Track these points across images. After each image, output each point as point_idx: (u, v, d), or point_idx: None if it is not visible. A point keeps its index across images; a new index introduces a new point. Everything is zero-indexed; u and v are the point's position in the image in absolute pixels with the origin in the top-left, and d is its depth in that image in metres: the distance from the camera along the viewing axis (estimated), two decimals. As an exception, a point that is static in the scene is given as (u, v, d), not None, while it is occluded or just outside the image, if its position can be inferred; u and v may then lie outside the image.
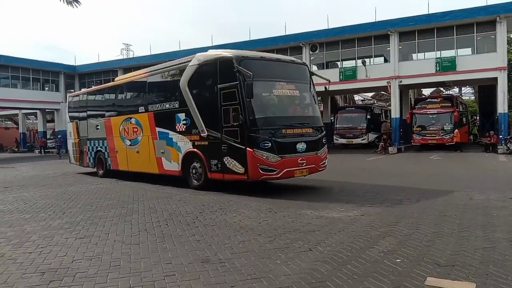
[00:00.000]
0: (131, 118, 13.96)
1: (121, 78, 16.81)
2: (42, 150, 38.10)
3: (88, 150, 16.70)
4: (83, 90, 17.28)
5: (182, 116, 11.61)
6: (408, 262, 4.70)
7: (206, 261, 4.98)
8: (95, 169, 16.50)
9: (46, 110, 42.82)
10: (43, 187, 13.10)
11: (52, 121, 44.00)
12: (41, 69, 40.12)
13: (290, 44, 31.42)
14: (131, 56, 46.80)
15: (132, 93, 14.86)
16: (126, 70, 40.79)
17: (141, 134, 13.36)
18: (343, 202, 8.75)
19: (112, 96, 15.84)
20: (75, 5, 8.28)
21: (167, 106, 12.28)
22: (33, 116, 51.12)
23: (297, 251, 5.25)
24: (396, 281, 4.13)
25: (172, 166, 12.05)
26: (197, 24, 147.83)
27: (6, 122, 56.98)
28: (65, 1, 8.22)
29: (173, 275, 4.51)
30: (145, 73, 13.92)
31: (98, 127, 16.01)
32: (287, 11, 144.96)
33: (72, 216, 8.06)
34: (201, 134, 10.83)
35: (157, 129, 12.65)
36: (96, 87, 17.20)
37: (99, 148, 15.98)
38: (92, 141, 16.43)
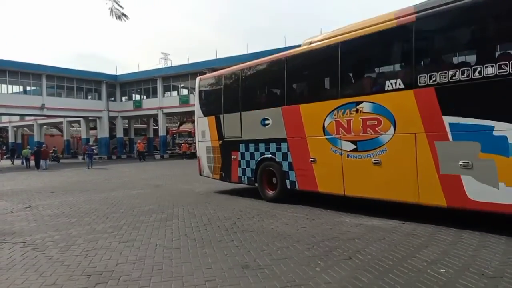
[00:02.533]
0: (359, 103, 7.84)
1: (327, 38, 8.93)
2: (86, 157, 39.59)
3: (243, 158, 10.89)
4: (222, 71, 12.26)
5: None
6: (453, 272, 4.55)
7: (246, 267, 5.03)
8: (251, 186, 11.04)
9: (89, 118, 44.55)
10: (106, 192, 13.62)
11: (95, 128, 45.71)
12: (84, 78, 41.92)
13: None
14: (169, 65, 47.95)
15: (360, 58, 8.59)
16: (165, 78, 42.00)
17: (391, 131, 7.37)
18: (382, 209, 8.56)
19: (303, 69, 9.76)
20: (124, 19, 8.63)
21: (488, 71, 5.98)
22: (76, 124, 53.31)
23: (336, 259, 5.20)
24: (441, 291, 4.01)
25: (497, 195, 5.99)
26: (231, 31, 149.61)
27: (51, 129, 59.71)
28: (114, 15, 8.57)
29: (214, 280, 4.58)
30: (405, 15, 7.22)
31: (266, 122, 10.01)
32: (323, 18, 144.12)
33: (115, 221, 8.34)
34: None
35: (451, 119, 6.49)
36: (256, 61, 11.02)
37: (266, 155, 10.13)
38: (251, 144, 10.58)
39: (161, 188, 14.38)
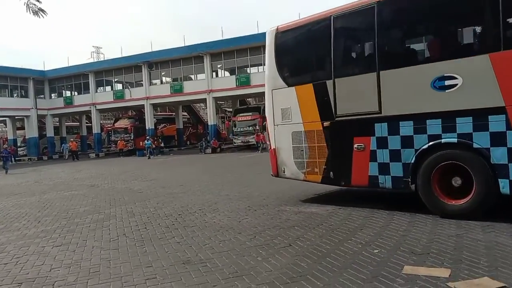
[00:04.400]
0: None
1: None
2: (13, 159, 37.00)
3: (382, 147, 6.76)
4: (331, 10, 7.50)
5: None
6: (386, 252, 4.82)
7: (187, 262, 4.98)
8: (399, 191, 7.23)
9: (16, 117, 41.61)
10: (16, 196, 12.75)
11: (23, 128, 42.80)
12: (8, 75, 38.99)
13: (263, 42, 31.67)
14: (101, 59, 45.94)
15: None
16: (97, 73, 40.21)
17: None
18: (320, 196, 8.88)
19: None
20: (42, 15, 8.05)
21: None
22: (2, 124, 49.59)
23: (277, 247, 5.30)
24: (375, 271, 4.23)
25: None
26: (166, 23, 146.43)
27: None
28: (31, 11, 8.00)
29: (154, 278, 4.48)
30: None
31: (447, 83, 5.98)
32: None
33: (48, 225, 7.89)
34: None
35: None
36: None
37: (446, 140, 6.06)
38: (405, 123, 6.47)
39: (97, 188, 13.79)
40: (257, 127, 30.89)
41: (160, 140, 36.33)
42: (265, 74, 8.87)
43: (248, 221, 6.98)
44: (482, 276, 3.90)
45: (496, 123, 5.56)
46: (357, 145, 7.06)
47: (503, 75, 5.50)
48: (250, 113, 32.52)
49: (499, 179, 5.61)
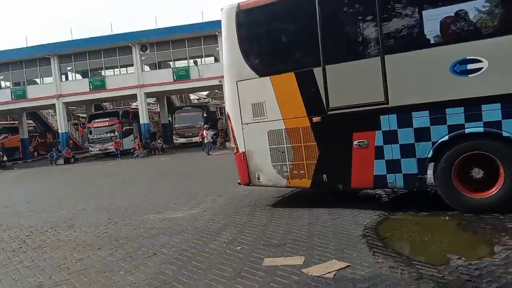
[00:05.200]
0: None
1: None
2: None
3: (390, 142, 5.93)
4: None
5: None
6: (247, 248, 5.06)
7: (40, 287, 4.49)
8: (403, 191, 7.10)
9: None
10: None
11: None
12: None
13: (119, 43, 30.31)
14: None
15: None
16: None
17: None
18: (187, 201, 8.88)
19: None
20: None
21: None
22: None
23: (141, 258, 5.13)
24: (238, 267, 4.41)
25: None
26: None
27: None
28: None
29: (-2, 312, 3.94)
30: None
31: (470, 67, 5.34)
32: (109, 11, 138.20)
33: None
34: None
35: None
36: None
37: (471, 130, 5.42)
38: (418, 114, 5.70)
39: None
40: (116, 133, 29.36)
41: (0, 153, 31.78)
42: (223, 62, 7.44)
43: (108, 235, 6.60)
44: (331, 259, 4.37)
45: None
46: (358, 142, 6.11)
47: None
48: (107, 119, 30.72)
49: None
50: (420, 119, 5.67)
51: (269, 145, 6.87)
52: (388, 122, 5.88)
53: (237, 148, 7.21)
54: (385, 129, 5.91)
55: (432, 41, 5.87)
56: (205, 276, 4.29)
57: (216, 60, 31.08)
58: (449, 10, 5.75)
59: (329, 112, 6.31)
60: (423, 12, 5.88)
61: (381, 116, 5.91)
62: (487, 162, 5.44)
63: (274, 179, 6.93)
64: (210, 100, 45.74)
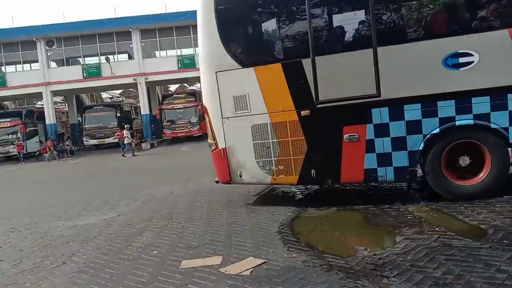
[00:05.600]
0: None
1: None
2: None
3: (381, 135, 5.93)
4: None
5: None
6: (164, 252, 4.98)
7: None
8: (395, 184, 7.20)
9: None
10: None
11: None
12: None
13: (22, 37, 27.88)
14: None
15: None
16: None
17: None
18: (99, 206, 8.47)
19: None
20: None
21: None
22: None
23: (49, 268, 4.81)
24: (154, 272, 4.33)
25: None
26: None
27: None
28: None
29: None
30: None
31: (462, 60, 5.54)
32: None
33: None
34: None
35: None
36: None
37: (461, 122, 5.67)
38: (410, 107, 5.79)
39: None
40: (19, 135, 26.93)
41: None
42: (199, 51, 6.87)
43: (12, 245, 6.08)
44: (248, 256, 4.47)
45: None
46: (349, 136, 5.98)
47: None
48: (9, 119, 28.00)
49: None
50: (412, 112, 5.74)
51: (253, 141, 6.44)
52: (380, 115, 5.85)
53: (216, 144, 6.67)
54: (377, 122, 5.88)
55: (425, 34, 5.93)
56: (119, 283, 4.15)
57: (130, 57, 30.00)
58: (441, 3, 6.02)
59: (318, 105, 6.08)
60: (416, 3, 5.97)
61: (372, 109, 5.86)
62: (473, 152, 5.73)
63: (258, 176, 6.57)
64: (124, 99, 43.87)
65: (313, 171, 6.23)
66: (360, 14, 6.03)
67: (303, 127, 6.16)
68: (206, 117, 6.84)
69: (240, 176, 6.59)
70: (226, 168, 6.62)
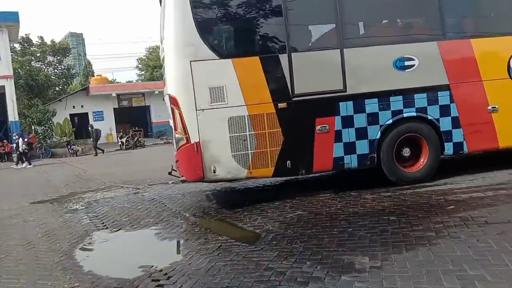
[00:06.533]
0: None
1: None
2: None
3: (347, 126, 6.52)
4: None
5: None
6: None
7: None
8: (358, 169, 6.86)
9: None
10: None
11: None
12: None
13: None
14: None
15: None
16: None
17: None
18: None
19: None
20: None
21: None
22: None
23: None
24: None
25: None
26: None
27: None
28: None
29: None
30: None
31: (406, 64, 6.61)
32: None
33: None
34: None
35: None
36: None
37: (408, 114, 6.66)
38: (370, 101, 6.58)
39: None
40: None
41: None
42: (170, 37, 6.45)
43: None
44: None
45: (444, 97, 6.66)
46: (320, 127, 6.44)
47: (448, 58, 6.69)
48: None
49: (445, 143, 6.69)
50: (371, 105, 6.56)
51: (230, 133, 6.27)
52: (346, 108, 6.52)
53: (187, 138, 6.25)
54: (343, 114, 6.52)
55: (382, 40, 6.90)
56: None
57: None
58: (396, 16, 7.44)
59: (294, 99, 6.39)
60: (377, 13, 7.15)
61: (340, 103, 6.50)
62: (413, 145, 6.78)
63: (233, 171, 6.38)
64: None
65: (288, 162, 6.41)
66: (330, 17, 6.69)
67: (280, 119, 6.37)
68: (174, 109, 6.42)
69: (214, 172, 6.30)
70: (199, 163, 6.23)
